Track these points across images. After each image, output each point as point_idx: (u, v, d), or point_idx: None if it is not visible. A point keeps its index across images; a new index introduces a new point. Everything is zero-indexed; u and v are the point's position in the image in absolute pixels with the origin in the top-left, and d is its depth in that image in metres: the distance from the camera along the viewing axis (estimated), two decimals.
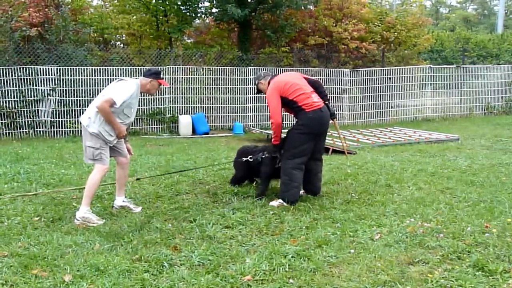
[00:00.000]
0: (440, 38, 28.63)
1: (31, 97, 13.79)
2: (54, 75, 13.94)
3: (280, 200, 6.33)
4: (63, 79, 14.00)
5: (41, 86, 13.88)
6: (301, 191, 6.78)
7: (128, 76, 14.60)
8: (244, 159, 7.08)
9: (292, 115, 6.60)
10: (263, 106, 16.47)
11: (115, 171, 6.35)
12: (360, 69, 18.00)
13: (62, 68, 14.00)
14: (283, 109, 6.47)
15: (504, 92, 19.68)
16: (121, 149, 6.19)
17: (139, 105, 14.84)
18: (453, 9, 62.53)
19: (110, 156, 5.99)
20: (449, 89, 19.26)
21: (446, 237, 5.13)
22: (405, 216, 5.90)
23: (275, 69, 16.63)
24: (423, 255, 4.65)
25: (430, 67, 19.20)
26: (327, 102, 6.58)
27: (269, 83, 6.52)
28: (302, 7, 18.46)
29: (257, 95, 16.15)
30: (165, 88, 15.22)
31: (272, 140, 6.61)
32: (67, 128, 14.12)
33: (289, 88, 6.31)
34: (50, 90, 13.91)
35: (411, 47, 21.12)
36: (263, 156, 6.83)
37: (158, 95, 15.18)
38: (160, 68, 15.21)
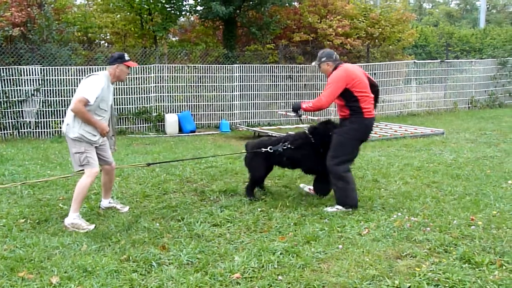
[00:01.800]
0: (424, 33, 28.85)
1: (15, 97, 13.64)
2: (38, 75, 13.81)
3: (338, 206, 6.00)
4: (47, 79, 13.86)
5: (25, 86, 13.74)
6: (308, 188, 6.84)
7: None
8: (264, 149, 6.50)
9: (340, 111, 6.17)
10: (249, 103, 16.48)
11: (101, 177, 6.19)
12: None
13: (46, 68, 13.87)
14: (336, 99, 6.06)
15: (487, 86, 19.86)
16: (106, 157, 5.99)
17: (123, 104, 14.80)
18: (436, 4, 62.96)
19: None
20: (433, 83, 19.38)
21: (433, 230, 5.18)
22: (392, 211, 5.94)
23: (263, 66, 16.66)
24: (410, 249, 4.69)
25: (414, 62, 19.30)
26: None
27: (336, 67, 6.05)
28: (287, 4, 18.47)
29: (243, 93, 16.27)
30: (151, 86, 15.17)
31: (306, 106, 6.08)
32: (52, 128, 14.00)
33: (358, 84, 5.91)
34: (34, 90, 13.77)
35: (396, 43, 21.24)
36: (284, 147, 6.42)
37: (144, 94, 15.10)
38: (146, 66, 15.15)
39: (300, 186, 7.15)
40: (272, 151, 6.45)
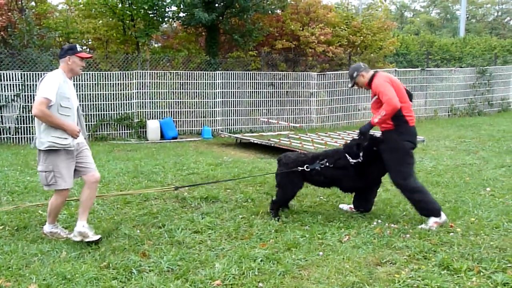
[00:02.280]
0: (405, 42, 29.11)
1: None
2: (18, 80, 13.68)
3: (431, 219, 5.62)
4: (27, 85, 13.74)
5: (4, 91, 13.60)
6: (349, 206, 6.43)
7: (95, 81, 14.46)
8: (300, 168, 6.05)
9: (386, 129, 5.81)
10: (231, 110, 16.49)
11: (81, 191, 5.44)
12: (327, 73, 18.16)
13: (27, 74, 13.75)
14: (378, 106, 5.74)
15: (467, 94, 20.13)
16: (87, 165, 5.36)
17: (105, 110, 14.71)
18: (417, 13, 63.65)
19: (76, 177, 5.36)
20: (414, 91, 19.51)
21: (412, 237, 5.23)
22: (372, 218, 5.99)
23: (246, 73, 16.69)
24: (390, 255, 4.73)
25: (395, 70, 19.49)
26: None
27: (373, 76, 5.84)
28: (269, 12, 18.53)
29: (226, 100, 16.27)
30: (133, 92, 15.10)
31: (378, 120, 5.55)
32: (32, 134, 13.85)
33: (400, 90, 5.71)
34: (14, 95, 13.65)
35: (377, 51, 21.42)
36: (322, 165, 6.01)
37: (126, 100, 15.02)
38: (128, 72, 15.08)
39: (339, 207, 6.58)
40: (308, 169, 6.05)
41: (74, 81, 14.13)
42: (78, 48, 5.32)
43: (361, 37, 20.57)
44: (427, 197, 5.68)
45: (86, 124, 14.30)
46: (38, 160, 5.19)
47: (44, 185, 5.21)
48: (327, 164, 6.01)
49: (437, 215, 5.59)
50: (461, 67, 21.85)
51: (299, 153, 6.50)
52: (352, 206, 6.37)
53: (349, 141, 6.31)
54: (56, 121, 4.96)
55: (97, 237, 5.19)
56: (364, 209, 6.24)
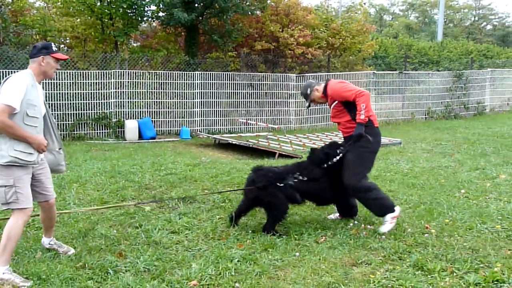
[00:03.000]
0: (384, 45, 29.44)
1: None
2: None
3: (387, 217, 5.56)
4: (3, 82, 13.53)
5: None
6: (335, 215, 6.13)
7: (72, 80, 14.31)
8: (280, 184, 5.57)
9: (345, 128, 5.69)
10: (210, 110, 16.48)
11: (40, 213, 4.88)
12: (306, 74, 18.26)
13: (2, 71, 13.56)
14: (339, 118, 5.69)
15: (443, 97, 20.42)
16: (45, 190, 4.63)
17: (83, 109, 14.56)
18: (396, 17, 64.36)
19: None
20: (392, 94, 19.80)
21: (388, 238, 5.29)
22: (349, 219, 6.03)
23: (225, 73, 16.68)
24: (366, 256, 4.78)
25: (374, 72, 19.68)
26: None
27: (326, 86, 5.72)
28: (249, 13, 18.56)
29: (204, 100, 16.25)
30: (111, 92, 14.99)
31: (364, 114, 5.34)
32: None
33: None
34: None
35: (356, 53, 21.60)
36: (295, 179, 5.62)
37: (104, 99, 14.90)
38: (106, 72, 14.97)
39: (328, 217, 6.18)
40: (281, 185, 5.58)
41: (50, 80, 14.10)
42: (54, 47, 4.57)
43: (340, 40, 20.73)
44: (381, 194, 5.69)
45: (63, 124, 14.26)
46: None
47: (2, 204, 4.31)
48: (301, 177, 5.64)
49: (392, 210, 5.58)
50: (438, 71, 22.15)
51: (269, 169, 5.88)
52: (338, 214, 6.16)
53: (316, 150, 5.97)
54: (19, 132, 4.17)
55: (72, 251, 4.89)
56: (351, 214, 6.06)
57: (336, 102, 5.61)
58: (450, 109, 20.43)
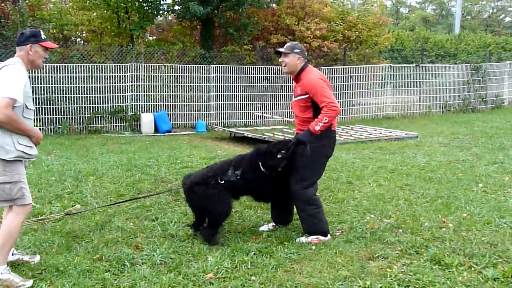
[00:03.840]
0: (400, 38, 29.15)
1: None
2: None
3: (313, 237, 5.11)
4: None
5: None
6: (271, 225, 5.60)
7: (89, 73, 14.38)
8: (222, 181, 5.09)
9: (302, 125, 5.17)
10: (225, 104, 16.48)
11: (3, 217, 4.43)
12: (322, 68, 18.15)
13: None
14: (300, 112, 5.17)
15: (461, 90, 20.19)
16: None
17: (99, 103, 14.65)
18: (413, 9, 63.74)
19: None
20: (408, 87, 19.63)
21: (405, 232, 5.25)
22: (365, 213, 6.02)
23: (240, 67, 16.66)
24: (382, 250, 4.76)
25: (390, 66, 19.52)
26: None
27: (303, 69, 5.13)
28: (265, 6, 18.48)
29: (220, 94, 16.24)
30: (127, 85, 15.05)
31: (320, 128, 4.85)
32: None
33: (330, 88, 5.12)
34: None
35: (372, 46, 21.42)
36: (238, 175, 5.14)
37: (120, 93, 14.98)
38: (122, 65, 15.03)
39: (260, 229, 5.55)
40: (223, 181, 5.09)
41: (67, 74, 14.16)
42: (42, 35, 4.29)
43: (356, 33, 20.57)
44: (321, 216, 5.16)
45: (80, 117, 14.37)
46: None
47: (5, 201, 4.09)
48: (242, 174, 5.13)
49: (325, 235, 5.12)
50: (456, 64, 21.91)
51: (202, 171, 5.44)
52: (273, 223, 5.62)
53: (263, 146, 5.45)
54: (22, 126, 4.02)
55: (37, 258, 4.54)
56: (286, 222, 5.58)
57: (307, 95, 5.01)
58: (467, 103, 20.21)
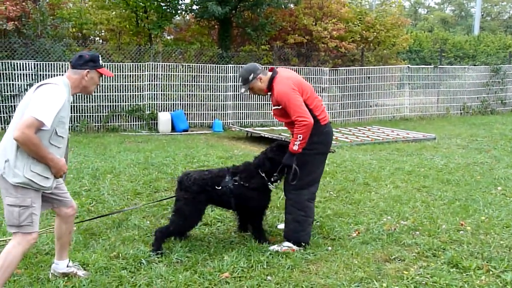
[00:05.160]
0: (419, 39, 28.98)
1: (7, 92, 13.59)
2: (32, 70, 13.76)
3: (289, 244, 4.88)
4: (40, 75, 13.82)
5: (18, 81, 13.69)
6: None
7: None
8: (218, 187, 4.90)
9: (290, 128, 4.87)
10: (242, 104, 16.49)
11: (55, 227, 4.21)
12: (340, 68, 18.10)
13: (40, 63, 13.83)
14: (281, 117, 4.94)
15: (479, 92, 19.98)
16: (63, 195, 4.08)
17: (117, 101, 14.75)
18: (431, 10, 63.25)
19: (48, 208, 4.10)
20: (426, 89, 19.47)
21: (422, 234, 5.22)
22: (382, 214, 5.98)
23: None
24: (399, 252, 4.73)
25: (408, 67, 19.39)
26: None
27: (272, 80, 4.89)
28: (283, 6, 18.49)
29: (239, 93, 16.25)
30: (145, 84, 15.13)
31: (298, 146, 4.65)
32: None
33: (308, 90, 4.86)
34: (27, 85, 13.70)
35: (390, 47, 21.30)
36: (235, 183, 4.93)
37: (138, 92, 15.07)
38: (140, 64, 15.12)
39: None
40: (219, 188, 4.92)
41: None
42: (101, 61, 4.00)
43: (374, 33, 20.46)
44: (307, 225, 4.91)
45: (97, 115, 14.49)
46: (2, 191, 3.70)
47: (11, 226, 3.69)
48: (241, 182, 4.94)
49: (299, 245, 4.86)
50: (475, 65, 21.68)
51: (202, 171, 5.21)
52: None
53: (259, 155, 5.25)
54: (42, 152, 3.57)
55: (86, 273, 4.26)
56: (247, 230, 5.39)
57: (280, 106, 4.79)
58: (486, 105, 19.98)
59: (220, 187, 4.89)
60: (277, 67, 5.10)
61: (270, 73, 4.95)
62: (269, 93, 5.03)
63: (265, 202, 5.10)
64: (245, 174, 5.00)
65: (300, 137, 4.61)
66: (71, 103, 3.95)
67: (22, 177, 3.55)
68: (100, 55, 4.08)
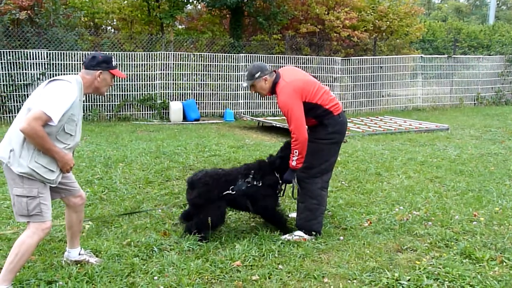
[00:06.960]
0: (432, 28, 28.66)
1: (20, 81, 13.65)
2: (44, 59, 13.81)
3: (300, 233, 4.91)
4: (53, 64, 13.87)
5: (30, 70, 13.75)
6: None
7: (118, 61, 14.49)
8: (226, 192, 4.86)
9: (310, 126, 4.90)
10: (254, 94, 16.42)
11: (65, 216, 4.26)
12: (352, 58, 17.99)
13: (52, 52, 13.87)
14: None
15: (494, 83, 19.78)
16: (71, 185, 4.10)
17: (128, 91, 14.78)
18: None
19: (56, 198, 4.07)
20: (439, 79, 19.31)
21: (434, 225, 5.18)
22: (394, 204, 5.95)
23: (269, 56, 16.60)
24: (411, 242, 4.70)
25: (421, 56, 19.21)
26: None
27: (275, 84, 4.88)
28: None
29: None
30: (157, 73, 15.14)
31: (296, 162, 4.68)
32: None
33: (311, 88, 4.80)
34: (39, 74, 13.78)
35: (403, 37, 21.11)
36: (249, 184, 4.91)
37: (149, 81, 15.08)
38: (152, 53, 15.12)
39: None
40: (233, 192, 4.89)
41: None
42: (114, 62, 4.06)
43: (387, 22, 20.28)
44: (319, 214, 4.93)
45: (109, 104, 14.54)
46: (8, 182, 3.74)
47: (20, 215, 3.72)
48: (255, 182, 4.94)
49: (310, 234, 4.88)
50: (489, 55, 21.43)
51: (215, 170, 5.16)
52: None
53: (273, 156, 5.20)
54: (48, 145, 3.59)
55: (99, 260, 4.28)
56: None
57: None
58: (501, 95, 19.78)
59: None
60: (280, 66, 5.03)
61: (274, 75, 4.94)
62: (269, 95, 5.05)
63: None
64: None
65: (296, 152, 4.64)
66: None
67: (26, 167, 3.58)
68: (113, 57, 4.10)
